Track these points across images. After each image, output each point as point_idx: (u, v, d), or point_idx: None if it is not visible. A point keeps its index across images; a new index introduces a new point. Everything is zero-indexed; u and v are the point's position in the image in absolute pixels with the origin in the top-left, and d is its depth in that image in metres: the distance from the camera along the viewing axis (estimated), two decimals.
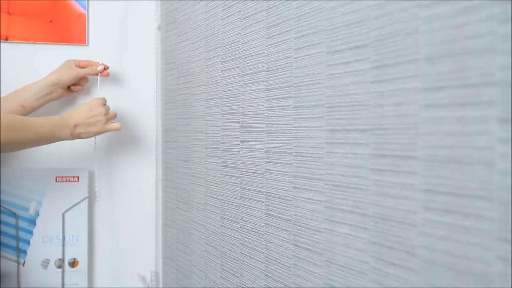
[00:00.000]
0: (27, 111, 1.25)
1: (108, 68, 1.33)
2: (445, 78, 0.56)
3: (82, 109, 1.20)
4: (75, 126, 1.17)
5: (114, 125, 1.24)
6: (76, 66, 1.30)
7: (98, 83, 1.34)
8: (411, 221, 0.61)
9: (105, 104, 1.23)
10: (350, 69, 0.70)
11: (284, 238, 0.85)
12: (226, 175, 1.03)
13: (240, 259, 0.99)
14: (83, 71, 1.30)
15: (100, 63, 1.33)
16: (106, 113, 1.22)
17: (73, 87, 1.32)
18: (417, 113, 0.60)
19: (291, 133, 0.82)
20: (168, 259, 1.35)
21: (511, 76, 0.50)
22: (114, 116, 1.26)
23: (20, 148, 1.13)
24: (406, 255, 0.62)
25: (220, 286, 1.06)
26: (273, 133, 0.87)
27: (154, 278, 1.41)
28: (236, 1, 0.98)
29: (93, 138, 1.38)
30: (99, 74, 1.33)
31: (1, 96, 1.24)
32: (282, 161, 0.85)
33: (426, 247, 0.59)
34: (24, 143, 1.09)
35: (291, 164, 0.83)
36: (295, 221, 0.82)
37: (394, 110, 0.63)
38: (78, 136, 1.19)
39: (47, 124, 1.12)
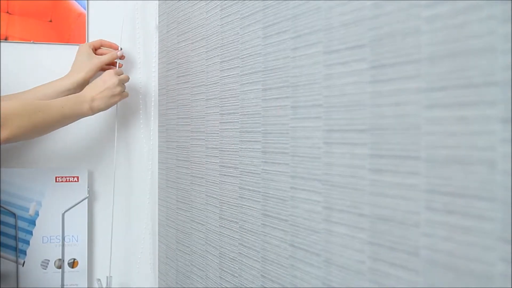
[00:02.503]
0: None
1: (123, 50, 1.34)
2: (446, 78, 0.56)
3: (96, 83, 1.22)
4: (92, 100, 1.19)
5: (125, 93, 1.27)
6: (93, 52, 1.30)
7: (117, 67, 1.33)
8: (413, 222, 0.60)
9: (118, 74, 1.25)
10: (348, 69, 0.69)
11: (281, 238, 0.84)
12: (224, 175, 1.02)
13: (238, 260, 0.98)
14: (104, 59, 1.30)
15: (119, 48, 1.33)
16: (120, 83, 1.24)
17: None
18: (418, 113, 0.59)
19: (288, 133, 0.82)
20: (169, 259, 1.35)
21: None
22: (126, 80, 1.28)
23: (48, 130, 1.15)
24: (408, 255, 0.61)
25: (219, 286, 1.06)
26: (270, 133, 0.86)
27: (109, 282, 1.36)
28: (235, 1, 0.97)
29: (91, 138, 1.37)
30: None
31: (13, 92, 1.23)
32: (280, 161, 0.84)
33: (428, 248, 0.58)
34: (50, 125, 1.12)
35: (288, 164, 0.82)
36: (292, 221, 0.81)
37: (394, 110, 0.62)
38: (98, 109, 1.21)
39: (68, 103, 1.15)
